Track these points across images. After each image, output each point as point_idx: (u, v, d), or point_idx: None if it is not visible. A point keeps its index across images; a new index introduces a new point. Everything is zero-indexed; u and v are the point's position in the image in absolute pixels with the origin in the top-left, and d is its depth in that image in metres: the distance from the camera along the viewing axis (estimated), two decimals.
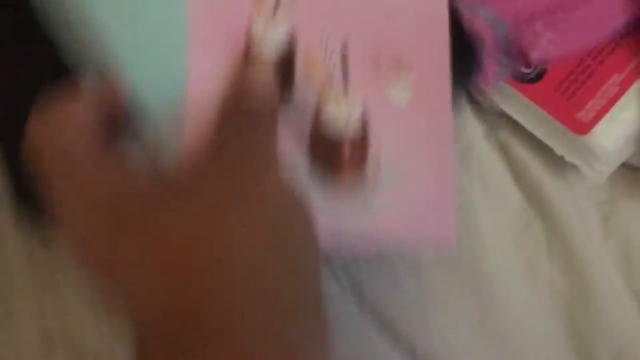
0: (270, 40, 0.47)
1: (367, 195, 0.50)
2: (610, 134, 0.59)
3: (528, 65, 0.61)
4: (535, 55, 0.60)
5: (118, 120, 0.42)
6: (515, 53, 0.61)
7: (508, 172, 0.62)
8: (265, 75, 0.42)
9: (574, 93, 0.60)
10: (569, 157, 0.60)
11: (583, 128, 0.59)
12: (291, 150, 0.49)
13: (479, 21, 0.60)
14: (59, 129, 0.39)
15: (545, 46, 0.61)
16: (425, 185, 0.52)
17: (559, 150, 0.60)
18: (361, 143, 0.50)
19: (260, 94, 0.41)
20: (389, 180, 0.51)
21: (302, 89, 0.49)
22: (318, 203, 0.45)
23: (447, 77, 0.54)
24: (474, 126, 0.63)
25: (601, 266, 0.59)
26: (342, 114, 0.49)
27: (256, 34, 0.46)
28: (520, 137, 0.62)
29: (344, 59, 0.49)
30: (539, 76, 0.61)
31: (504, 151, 0.62)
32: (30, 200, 0.54)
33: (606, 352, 0.56)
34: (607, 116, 0.60)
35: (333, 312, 0.40)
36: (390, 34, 0.53)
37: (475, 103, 0.63)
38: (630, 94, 0.60)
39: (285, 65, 0.48)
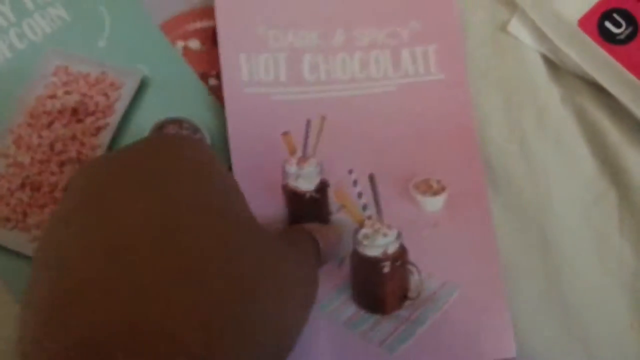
0: (304, 175, 0.54)
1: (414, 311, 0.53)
2: None
3: None
4: None
5: None
6: None
7: (584, 138, 0.59)
8: None
9: None
10: None
11: None
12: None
13: None
14: None
15: None
16: (475, 295, 0.53)
17: None
18: (401, 261, 0.53)
19: None
20: (437, 292, 0.53)
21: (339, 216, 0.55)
22: (367, 325, 0.52)
23: (483, 186, 0.55)
24: (550, 88, 0.59)
25: None
26: (378, 239, 0.52)
27: (289, 171, 0.54)
28: (600, 103, 0.59)
29: (374, 188, 0.52)
30: (629, 37, 0.57)
31: (581, 116, 0.59)
32: None
33: None
34: None
35: None
36: (418, 158, 0.56)
37: (553, 63, 0.60)
38: None
39: (320, 195, 0.55)
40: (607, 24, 0.58)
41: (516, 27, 0.60)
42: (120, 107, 0.55)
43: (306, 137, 0.55)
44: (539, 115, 0.59)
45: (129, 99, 0.55)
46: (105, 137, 0.54)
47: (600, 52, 0.57)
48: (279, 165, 0.55)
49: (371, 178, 0.52)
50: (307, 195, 0.55)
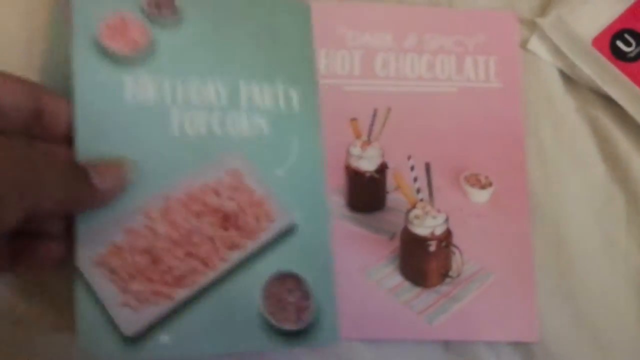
0: (367, 157, 0.60)
1: (453, 288, 0.58)
2: None
3: None
4: None
5: None
6: None
7: (596, 147, 0.63)
8: None
9: None
10: None
11: None
12: None
13: None
14: None
15: None
16: (508, 282, 0.58)
17: None
18: (446, 242, 0.58)
19: None
20: (475, 275, 0.58)
21: (394, 196, 0.60)
22: (410, 295, 0.57)
23: (525, 187, 0.61)
24: (566, 100, 0.64)
25: None
26: (428, 220, 0.57)
27: (353, 152, 0.60)
28: (611, 114, 0.64)
29: (429, 175, 0.58)
30: (639, 56, 0.62)
31: (594, 126, 0.63)
32: None
33: None
34: None
35: None
36: (471, 154, 0.61)
37: (569, 77, 0.65)
38: None
39: (380, 175, 0.60)
40: (619, 43, 0.63)
41: (536, 44, 0.65)
42: (262, 238, 0.55)
43: (372, 124, 0.60)
44: (556, 124, 0.63)
45: (271, 236, 0.55)
46: (235, 257, 0.53)
47: (612, 68, 0.62)
48: (344, 147, 0.60)
49: (427, 166, 0.58)
50: (367, 174, 0.60)
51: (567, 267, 0.59)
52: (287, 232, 0.55)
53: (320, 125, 0.58)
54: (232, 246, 0.53)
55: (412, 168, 0.58)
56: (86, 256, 0.50)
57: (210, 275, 0.52)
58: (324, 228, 0.56)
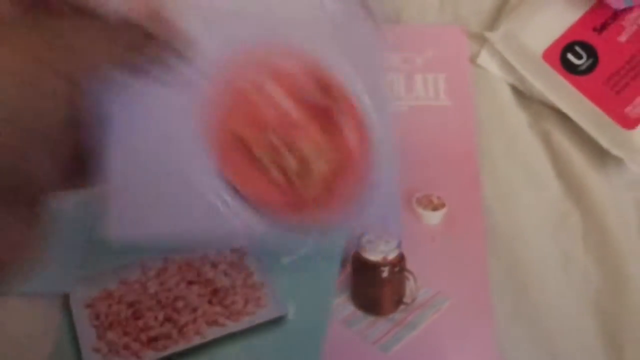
0: None
1: (407, 315, 0.56)
2: None
3: None
4: None
5: None
6: None
7: (550, 162, 0.62)
8: None
9: (623, 88, 0.61)
10: (614, 151, 0.60)
11: (631, 123, 0.60)
12: None
13: None
14: None
15: None
16: (464, 307, 0.56)
17: (604, 144, 0.60)
18: (399, 267, 0.56)
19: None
20: (430, 300, 0.56)
21: None
22: (364, 324, 0.55)
23: (479, 206, 0.59)
24: (518, 115, 0.64)
25: (636, 261, 0.59)
26: (380, 245, 0.55)
27: None
28: (564, 129, 0.63)
29: None
30: (590, 68, 0.62)
31: (547, 141, 0.63)
32: None
33: (635, 345, 0.57)
34: None
35: None
36: (422, 175, 0.60)
37: (520, 92, 0.64)
38: None
39: None
40: (569, 56, 0.62)
41: (485, 59, 0.65)
42: (244, 322, 0.53)
43: None
44: (508, 141, 0.62)
45: (256, 322, 0.53)
46: (211, 334, 0.52)
47: (563, 82, 0.61)
48: None
49: None
50: None
51: (524, 288, 0.58)
52: (274, 323, 0.53)
53: None
54: (212, 323, 0.52)
55: None
56: (80, 296, 0.52)
57: (182, 346, 0.51)
58: (320, 329, 0.54)
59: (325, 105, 0.44)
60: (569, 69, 0.62)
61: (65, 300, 0.53)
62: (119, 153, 0.42)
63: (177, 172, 0.42)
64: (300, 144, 0.45)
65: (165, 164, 0.42)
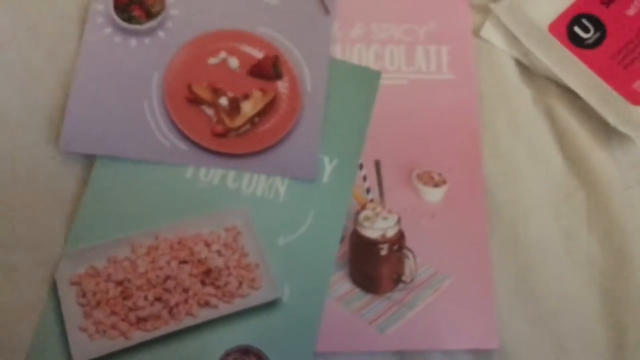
0: None
1: (406, 294, 0.55)
2: None
3: None
4: None
5: None
6: None
7: (554, 139, 0.61)
8: None
9: (631, 62, 0.59)
10: (621, 128, 0.59)
11: (639, 98, 0.58)
12: None
13: None
14: None
15: None
16: (465, 286, 0.55)
17: (611, 120, 0.59)
18: (398, 245, 0.55)
19: None
20: (429, 279, 0.55)
21: None
22: (360, 303, 0.53)
23: (481, 183, 0.58)
24: (521, 90, 0.62)
25: None
26: (379, 222, 0.54)
27: None
28: (568, 105, 0.61)
29: (379, 173, 0.56)
30: (597, 42, 0.60)
31: (551, 118, 0.61)
32: None
33: (638, 324, 0.56)
34: None
35: None
36: (423, 150, 0.58)
37: (524, 66, 0.62)
38: None
39: None
40: (576, 29, 0.60)
41: (489, 31, 0.63)
42: (237, 304, 0.52)
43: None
44: (511, 116, 0.61)
45: (249, 305, 0.52)
46: (203, 315, 0.52)
47: (569, 55, 0.60)
48: None
49: (377, 164, 0.55)
50: None
51: (526, 267, 0.57)
52: (269, 305, 0.52)
53: (347, 200, 0.55)
54: (204, 304, 0.52)
55: (360, 166, 0.55)
56: (66, 272, 0.51)
57: (172, 327, 0.51)
58: (315, 311, 0.53)
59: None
60: (576, 42, 0.60)
61: (51, 276, 0.52)
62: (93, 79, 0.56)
63: (132, 103, 0.56)
64: (234, 92, 0.55)
65: (125, 96, 0.56)
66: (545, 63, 0.61)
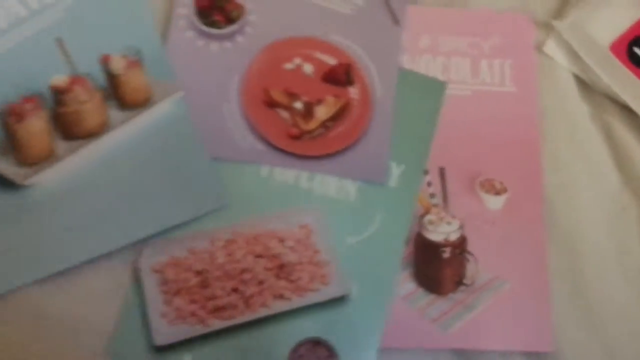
0: None
1: (467, 296, 0.57)
2: None
3: None
4: None
5: None
6: None
7: (610, 155, 0.63)
8: None
9: None
10: None
11: None
12: None
13: None
14: None
15: None
16: (522, 291, 0.57)
17: None
18: (460, 249, 0.57)
19: None
20: (489, 283, 0.57)
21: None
22: (424, 302, 0.56)
23: (540, 193, 0.60)
24: (581, 106, 0.64)
25: None
26: (442, 226, 0.57)
27: None
28: (626, 122, 0.63)
29: (443, 180, 0.58)
30: None
31: (608, 134, 0.63)
32: None
33: None
34: None
35: None
36: (485, 159, 0.61)
37: (584, 83, 0.64)
38: None
39: None
40: (636, 49, 0.62)
41: (552, 48, 0.65)
42: (309, 298, 0.55)
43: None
44: (570, 130, 0.62)
45: (320, 299, 0.55)
46: (277, 307, 0.54)
47: (629, 75, 0.61)
48: None
49: (441, 170, 0.58)
50: None
51: (581, 276, 0.58)
52: (338, 301, 0.55)
53: (413, 203, 0.57)
54: (278, 296, 0.54)
55: (425, 172, 0.57)
56: (148, 261, 0.54)
57: (248, 316, 0.53)
58: (381, 308, 0.55)
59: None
60: (636, 62, 0.62)
61: (135, 264, 0.55)
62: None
63: (212, 104, 0.59)
64: (308, 97, 0.60)
65: (206, 98, 0.60)
66: (605, 81, 0.62)
